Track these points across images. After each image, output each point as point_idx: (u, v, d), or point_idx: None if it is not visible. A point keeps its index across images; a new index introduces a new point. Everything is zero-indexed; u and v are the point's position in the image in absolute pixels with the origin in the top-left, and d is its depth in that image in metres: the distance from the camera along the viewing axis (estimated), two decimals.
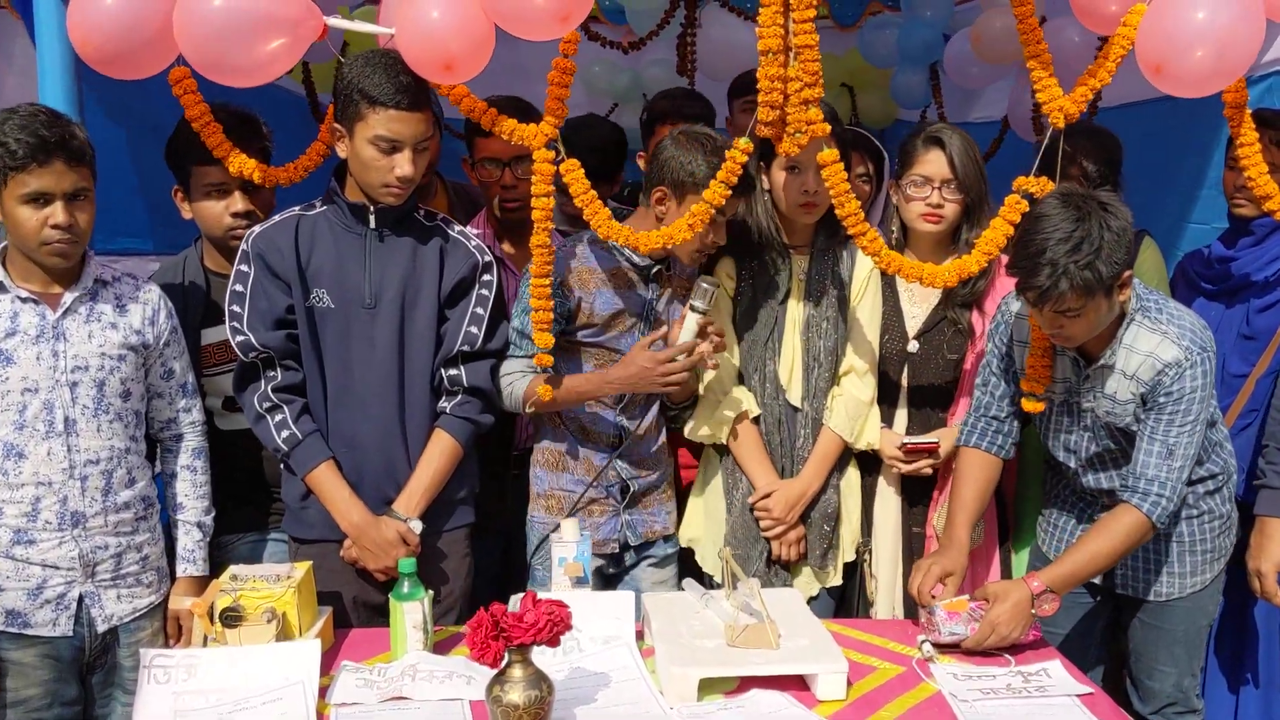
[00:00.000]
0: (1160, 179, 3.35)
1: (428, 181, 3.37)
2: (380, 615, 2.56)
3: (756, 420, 2.84)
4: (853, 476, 2.92)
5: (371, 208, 2.55)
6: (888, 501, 2.97)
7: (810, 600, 2.89)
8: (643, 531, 2.83)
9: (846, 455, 2.90)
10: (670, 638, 2.30)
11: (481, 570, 2.86)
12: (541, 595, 2.36)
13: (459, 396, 2.63)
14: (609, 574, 2.86)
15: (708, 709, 2.13)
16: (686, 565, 2.95)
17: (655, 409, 2.83)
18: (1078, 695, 2.21)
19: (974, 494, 2.63)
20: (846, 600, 3.00)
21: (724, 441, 2.85)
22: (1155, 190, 3.38)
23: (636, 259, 2.69)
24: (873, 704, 2.18)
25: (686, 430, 2.87)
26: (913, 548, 2.96)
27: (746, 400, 2.83)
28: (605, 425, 2.78)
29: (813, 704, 2.18)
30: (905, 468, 2.84)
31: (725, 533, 2.87)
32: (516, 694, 1.95)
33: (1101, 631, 2.79)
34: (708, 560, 2.92)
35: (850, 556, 2.92)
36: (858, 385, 2.85)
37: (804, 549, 2.84)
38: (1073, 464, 2.65)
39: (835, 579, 2.89)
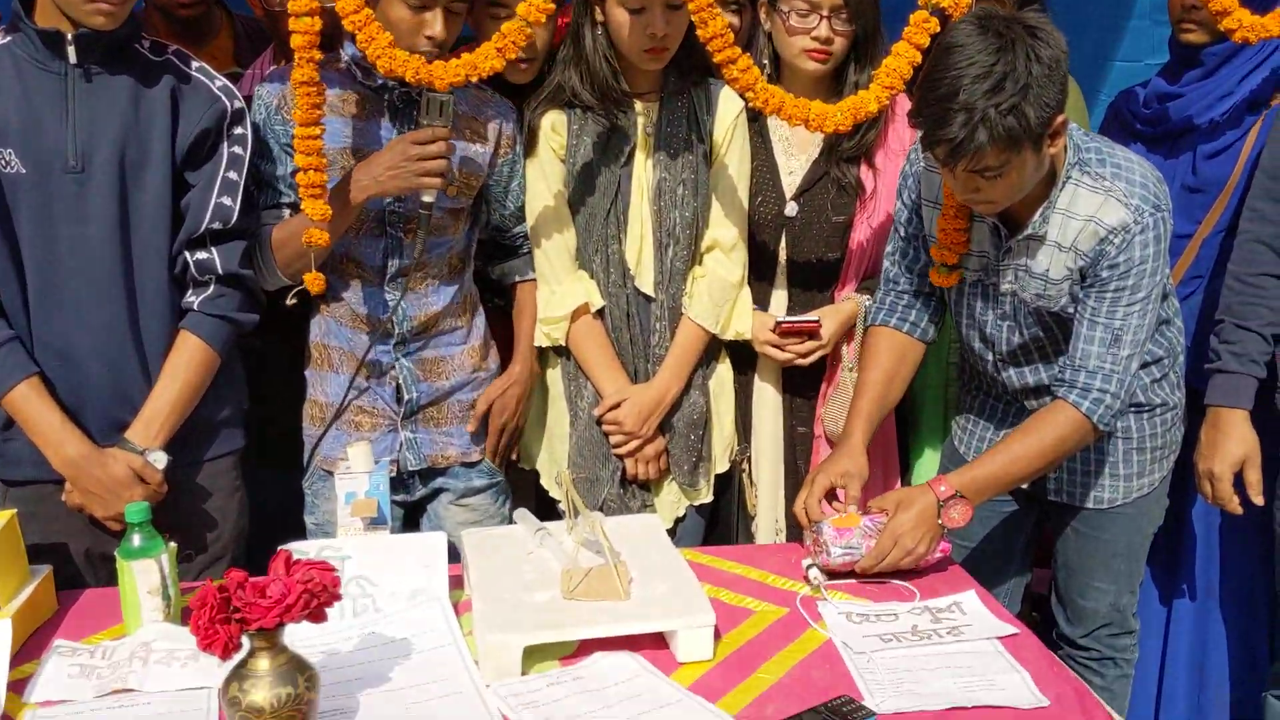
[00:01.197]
0: (1075, 8, 2.88)
1: (204, 11, 2.74)
2: None
3: (601, 314, 2.34)
4: (723, 374, 2.45)
5: (70, 34, 1.92)
6: (766, 399, 2.52)
7: (678, 521, 2.45)
8: (429, 455, 2.31)
9: (715, 348, 2.43)
10: (490, 593, 1.81)
11: (273, 507, 2.34)
12: (322, 544, 1.88)
13: (210, 288, 2.04)
14: (403, 505, 2.34)
15: (534, 686, 1.66)
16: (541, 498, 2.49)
17: (456, 289, 2.27)
18: (999, 637, 1.82)
19: (879, 379, 2.19)
20: (722, 518, 2.57)
21: (561, 342, 2.35)
22: (1070, 21, 2.93)
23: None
24: (747, 663, 1.74)
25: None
26: (796, 450, 2.52)
27: (585, 289, 2.32)
28: (374, 304, 2.22)
29: (672, 667, 1.74)
30: (781, 355, 2.39)
31: (569, 451, 2.40)
32: (260, 693, 1.44)
33: (1025, 545, 2.43)
34: (553, 486, 2.45)
35: (724, 467, 2.47)
36: (724, 263, 2.35)
37: (666, 465, 2.39)
38: (990, 357, 2.22)
39: (706, 495, 2.45)
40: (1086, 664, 2.36)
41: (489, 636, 1.68)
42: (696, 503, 2.45)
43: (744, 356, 2.51)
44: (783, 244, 2.46)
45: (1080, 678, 2.34)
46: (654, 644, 1.76)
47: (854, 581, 1.99)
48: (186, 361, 2.02)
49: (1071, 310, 2.05)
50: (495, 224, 2.35)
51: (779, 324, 2.36)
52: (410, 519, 2.38)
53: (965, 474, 2.03)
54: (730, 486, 2.54)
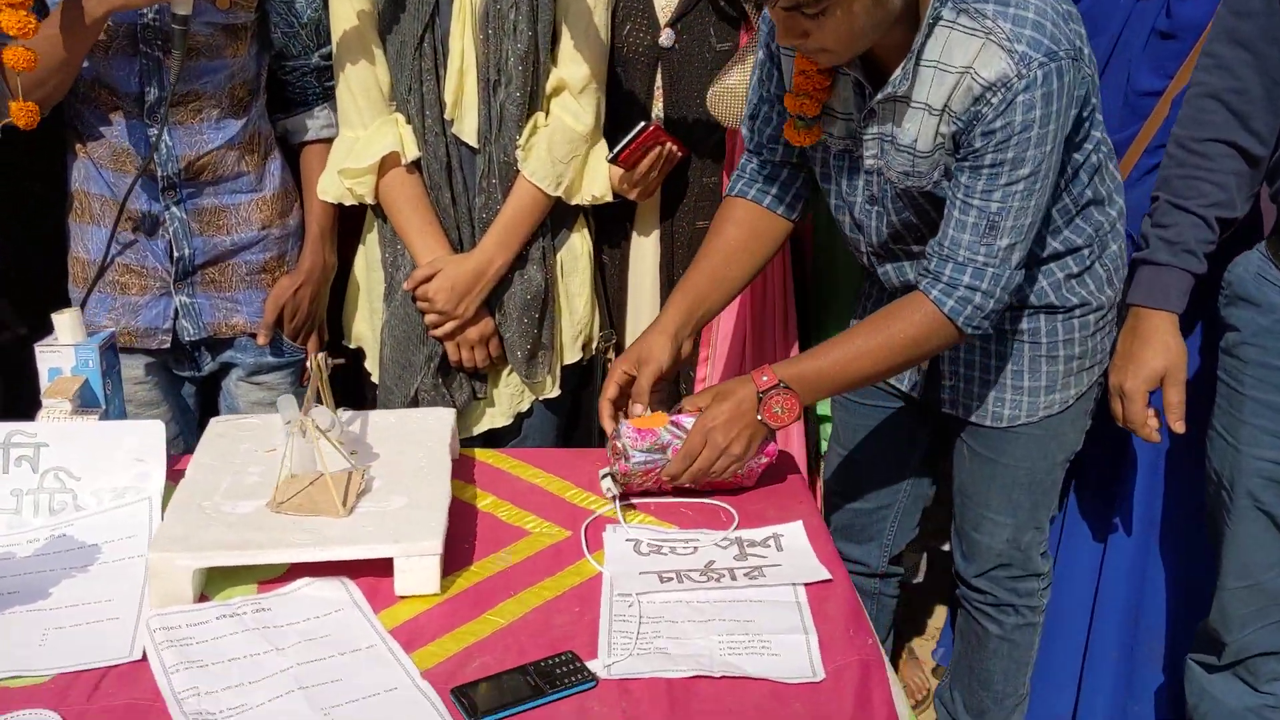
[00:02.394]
0: None
1: None
2: None
3: (418, 167, 1.99)
4: (576, 245, 2.09)
5: None
6: (644, 279, 2.16)
7: (523, 418, 2.14)
8: (210, 323, 2.01)
9: (568, 215, 2.06)
10: (189, 497, 1.51)
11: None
12: (12, 428, 1.61)
13: None
14: (193, 380, 2.08)
15: (199, 617, 1.37)
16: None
17: (240, 125, 1.93)
18: (806, 584, 1.50)
19: (716, 250, 1.80)
20: (586, 415, 2.25)
21: (367, 199, 2.00)
22: None
23: None
24: (485, 599, 1.44)
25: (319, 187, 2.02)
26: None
27: (396, 135, 1.95)
28: (136, 140, 1.89)
29: (391, 601, 1.46)
30: (632, 191, 2.02)
31: (379, 331, 2.08)
32: None
33: (922, 459, 2.06)
34: (375, 369, 2.14)
35: (574, 356, 2.13)
36: (571, 109, 1.96)
37: (496, 351, 2.06)
38: (863, 247, 1.83)
39: (551, 389, 2.12)
40: (981, 609, 2.00)
41: (151, 554, 1.39)
42: (542, 397, 2.13)
43: (616, 225, 2.15)
44: (658, 81, 2.06)
45: (977, 624, 2.04)
46: (388, 570, 1.48)
47: (670, 501, 1.67)
48: None
49: (945, 189, 1.64)
50: (278, 48, 1.98)
51: (612, 155, 1.97)
52: (208, 399, 2.11)
53: (795, 364, 1.66)
54: (593, 380, 2.21)
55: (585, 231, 2.10)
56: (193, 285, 1.97)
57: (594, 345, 2.15)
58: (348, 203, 2.01)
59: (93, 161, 1.91)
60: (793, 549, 1.55)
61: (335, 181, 1.99)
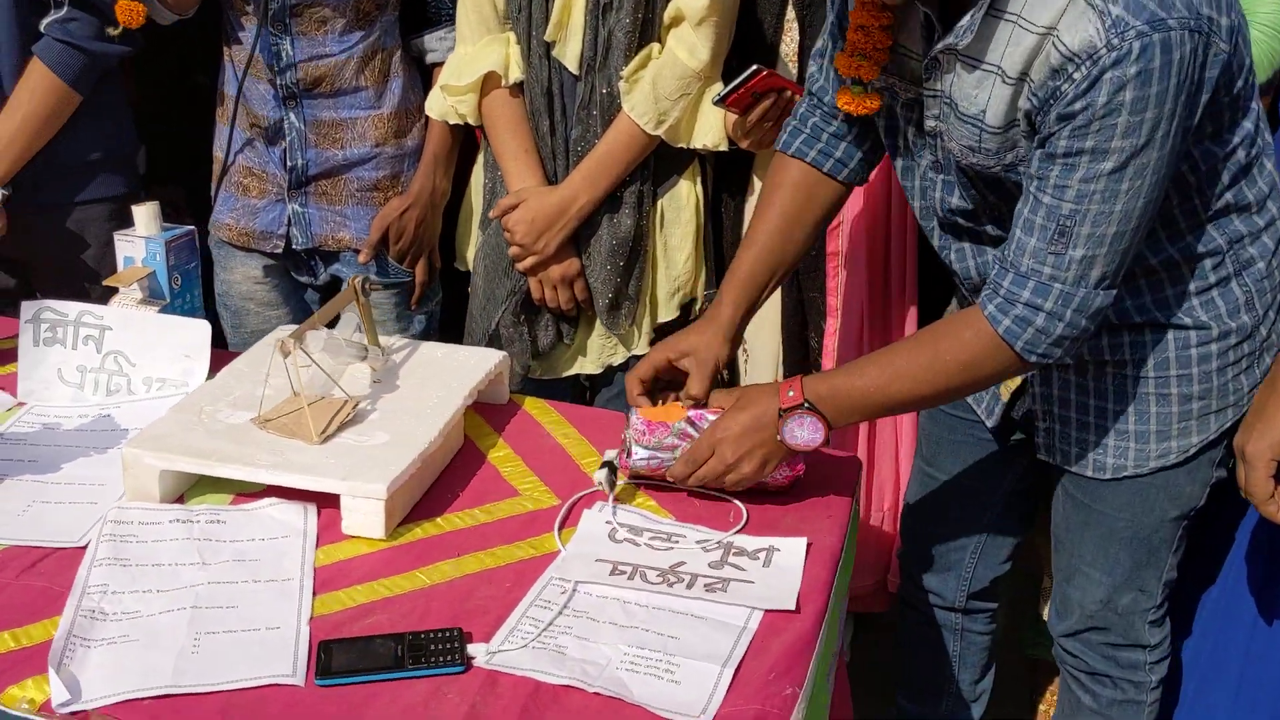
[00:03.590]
0: None
1: None
2: None
3: (522, 89, 1.91)
4: (683, 194, 1.93)
5: None
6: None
7: (616, 371, 2.04)
8: (318, 235, 2.04)
9: (677, 160, 1.92)
10: (197, 399, 1.56)
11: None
12: (84, 308, 1.72)
13: (63, 9, 1.88)
14: (314, 287, 2.12)
15: (151, 518, 1.40)
16: None
17: (360, 39, 1.93)
18: (766, 610, 1.30)
19: (772, 229, 1.59)
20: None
21: (469, 118, 1.95)
22: None
23: None
24: (425, 554, 1.37)
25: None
26: (806, 311, 2.00)
27: (500, 55, 1.88)
28: (263, 47, 1.94)
29: (338, 537, 1.42)
30: (744, 140, 1.84)
31: (472, 258, 2.04)
32: None
33: (1012, 495, 1.77)
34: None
35: (670, 314, 1.99)
36: (689, 41, 1.81)
37: (581, 294, 1.96)
38: (932, 223, 1.56)
39: (639, 344, 1.99)
40: (1074, 674, 1.70)
41: (125, 449, 1.45)
42: (630, 352, 2.00)
43: (739, 175, 1.98)
44: (789, 14, 1.86)
45: (1070, 691, 1.74)
46: None
47: (676, 491, 1.52)
48: (31, 90, 1.90)
49: (1020, 174, 1.35)
50: None
51: (719, 97, 1.78)
52: None
53: (828, 380, 1.44)
54: None
55: (696, 181, 1.95)
56: (305, 195, 2.02)
57: (697, 305, 2.00)
58: (451, 120, 1.97)
59: (232, 64, 2.00)
60: (780, 568, 1.37)
61: (439, 98, 1.96)
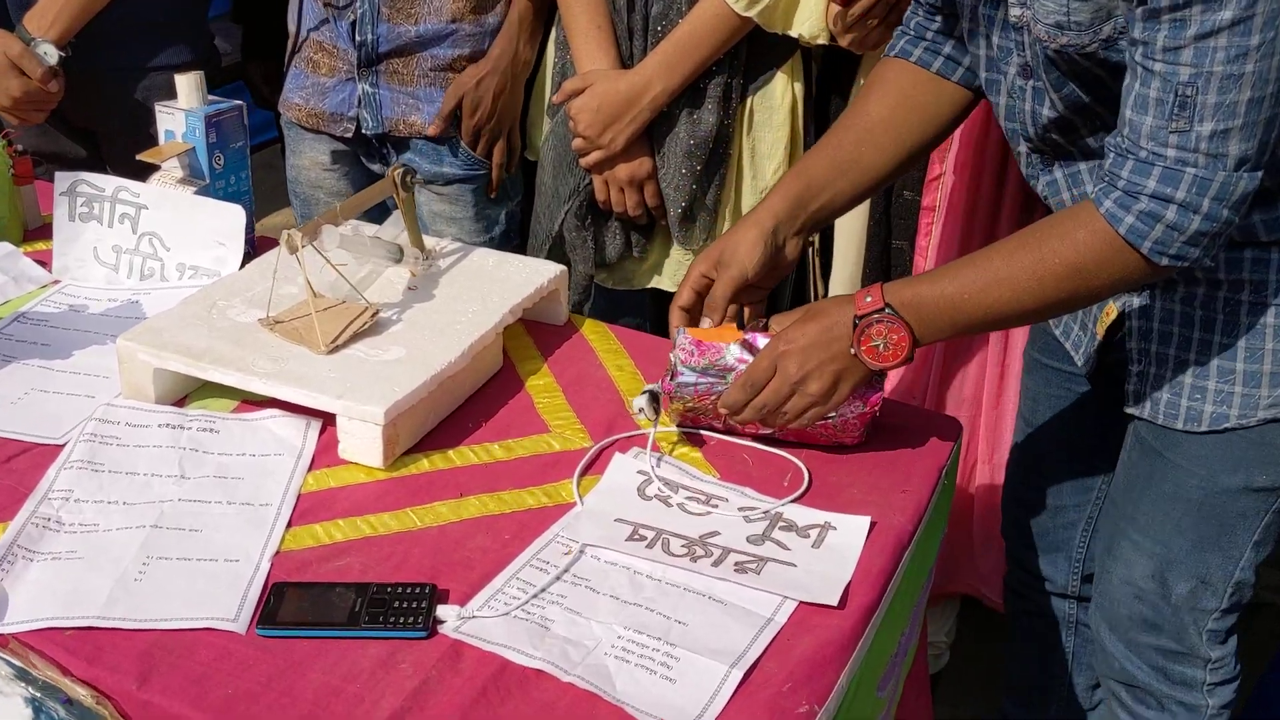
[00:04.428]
0: None
1: None
2: None
3: None
4: (777, 92, 1.68)
5: None
6: None
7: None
8: (388, 119, 1.86)
9: (776, 52, 1.66)
10: (208, 295, 1.41)
11: None
12: (120, 184, 1.61)
13: None
14: (371, 174, 1.95)
15: (145, 420, 1.28)
16: None
17: None
18: (802, 600, 1.09)
19: (850, 133, 1.34)
20: (780, 299, 1.87)
21: None
22: None
23: None
24: (426, 491, 1.20)
25: None
26: (892, 220, 1.74)
27: None
28: None
29: (334, 461, 1.27)
30: (844, 37, 1.58)
31: (543, 144, 1.83)
32: None
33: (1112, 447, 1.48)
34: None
35: None
36: None
37: (653, 199, 1.73)
38: (1022, 148, 1.29)
39: None
40: (1114, 690, 1.42)
41: (120, 340, 1.32)
42: None
43: (847, 76, 1.71)
44: None
45: (1110, 711, 1.47)
46: None
47: (739, 442, 1.31)
48: None
49: (1119, 54, 1.07)
50: None
51: None
52: None
53: (912, 285, 1.20)
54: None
55: (795, 78, 1.69)
56: (376, 74, 1.85)
57: None
58: None
59: None
60: (831, 551, 1.15)
61: None
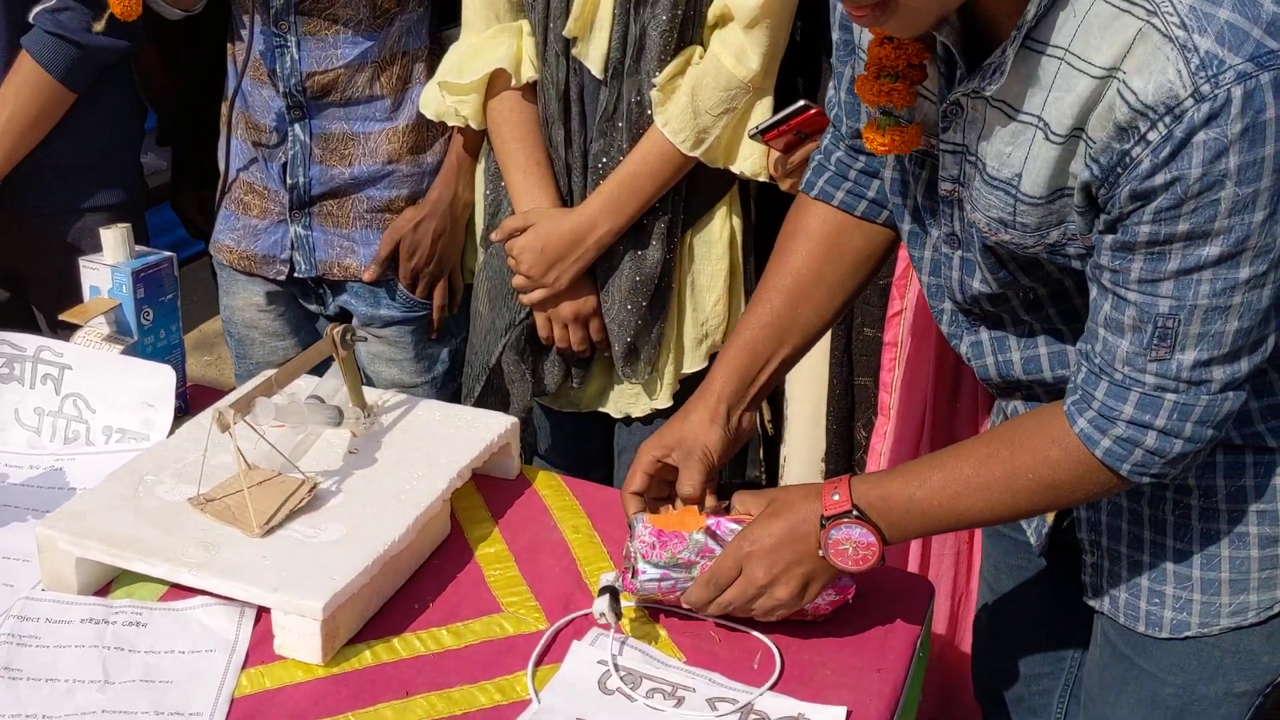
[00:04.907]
0: None
1: None
2: None
3: (533, 91, 1.65)
4: (717, 229, 1.65)
5: None
6: None
7: (637, 422, 1.77)
8: (321, 261, 1.80)
9: (716, 187, 1.63)
10: (137, 467, 1.33)
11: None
12: (43, 344, 1.53)
13: None
14: (308, 313, 1.90)
15: (66, 615, 1.18)
16: None
17: (375, 44, 1.69)
18: None
19: (780, 295, 1.29)
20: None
21: (470, 122, 1.69)
22: None
23: None
24: (368, 691, 1.12)
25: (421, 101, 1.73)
26: (853, 357, 1.71)
27: (510, 49, 1.61)
28: (267, 47, 1.71)
29: (271, 657, 1.19)
30: (784, 181, 1.55)
31: (475, 284, 1.78)
32: None
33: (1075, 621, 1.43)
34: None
35: (698, 364, 1.70)
36: (736, 46, 1.52)
37: (598, 335, 1.69)
38: (945, 304, 1.25)
39: (661, 398, 1.72)
40: None
41: (39, 527, 1.24)
42: (651, 406, 1.73)
43: (782, 209, 1.68)
44: None
45: None
46: None
47: (702, 618, 1.23)
48: (18, 86, 1.71)
49: (1076, 261, 1.04)
50: None
51: (756, 129, 1.51)
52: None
53: (878, 484, 1.14)
54: None
55: (731, 211, 1.66)
56: (309, 216, 1.79)
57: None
58: (451, 122, 1.71)
59: (234, 63, 1.78)
60: None
61: (436, 96, 1.70)
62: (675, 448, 1.26)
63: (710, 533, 1.20)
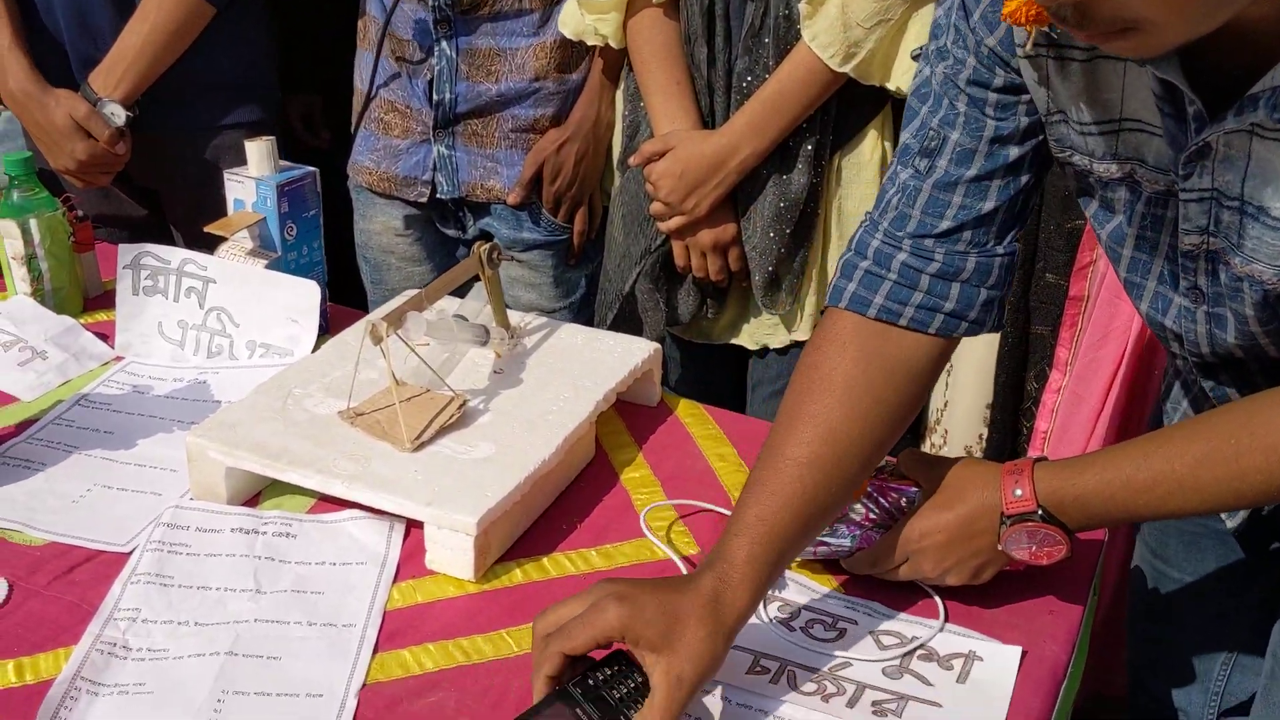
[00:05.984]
0: None
1: None
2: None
3: (674, 7, 1.58)
4: (867, 148, 1.58)
5: None
6: None
7: (775, 354, 1.71)
8: (465, 182, 1.77)
9: (868, 104, 1.56)
10: (283, 382, 1.31)
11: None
12: (187, 256, 1.53)
13: None
14: (446, 239, 1.88)
15: (216, 524, 1.19)
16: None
17: None
18: None
19: (804, 459, 1.01)
20: None
21: (611, 41, 1.64)
22: None
23: None
24: (520, 609, 1.10)
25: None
26: (1031, 305, 1.63)
27: None
28: None
29: (421, 571, 1.18)
30: None
31: (612, 208, 1.74)
32: None
33: (1266, 597, 1.33)
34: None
35: None
36: None
37: (737, 264, 1.63)
38: (1175, 348, 1.11)
39: (800, 328, 1.66)
40: None
41: (190, 435, 1.23)
42: (795, 336, 1.67)
43: None
44: None
45: None
46: None
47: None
48: (159, 1, 1.71)
49: None
50: None
51: (917, 51, 1.41)
52: None
53: (1069, 478, 1.03)
54: None
55: (883, 133, 1.58)
56: (453, 135, 1.76)
57: None
58: (590, 41, 1.66)
59: None
60: (979, 687, 1.03)
61: (575, 13, 1.64)
62: (639, 641, 0.92)
63: (871, 498, 1.13)
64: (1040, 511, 1.03)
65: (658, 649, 0.91)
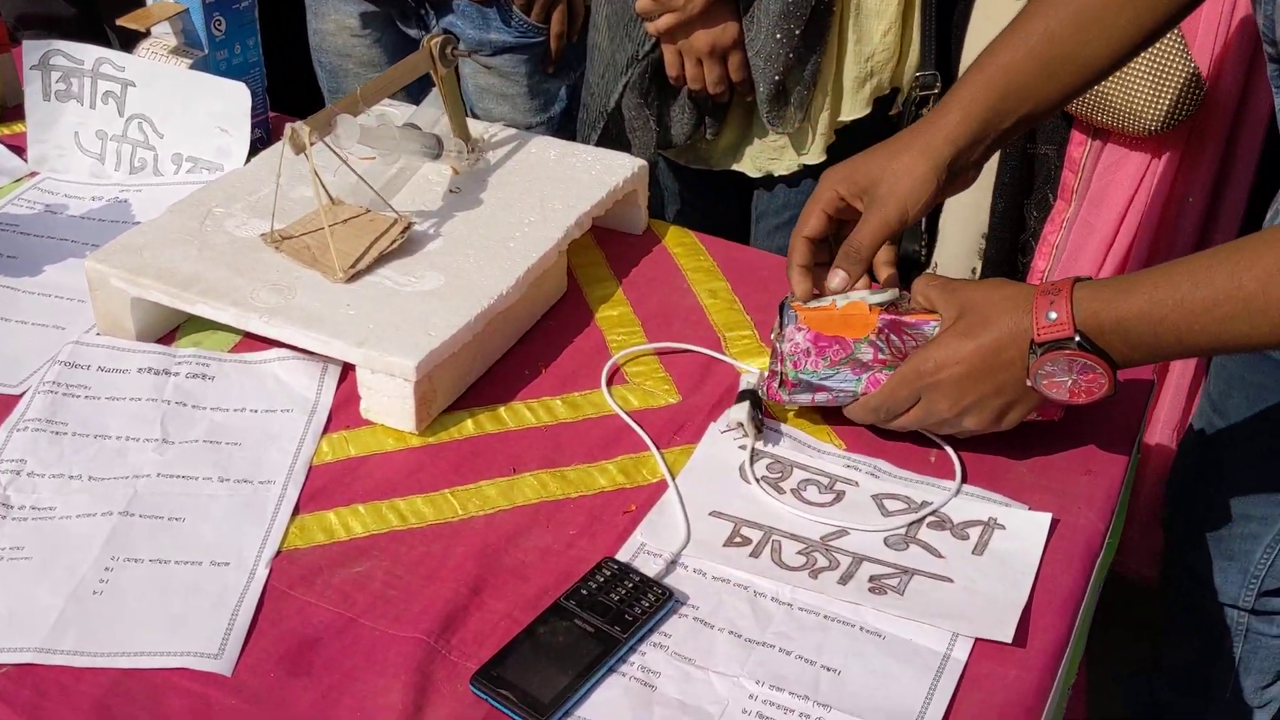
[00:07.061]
0: None
1: None
2: None
3: None
4: None
5: None
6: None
7: (780, 181, 1.53)
8: None
9: None
10: (205, 197, 1.15)
11: None
12: (103, 54, 1.34)
13: None
14: (409, 40, 1.67)
15: (121, 364, 1.03)
16: None
17: None
18: (975, 638, 0.84)
19: (1036, 35, 0.98)
20: None
21: None
22: None
23: None
24: (470, 466, 0.95)
25: None
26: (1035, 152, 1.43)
27: None
28: None
29: (357, 421, 1.03)
30: None
31: (598, 13, 1.51)
32: None
33: None
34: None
35: (858, 110, 1.44)
36: None
37: (738, 73, 1.42)
38: None
39: (811, 151, 1.46)
40: None
41: (89, 260, 1.07)
42: (805, 160, 1.48)
43: None
44: None
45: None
46: None
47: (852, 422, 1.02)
48: None
49: None
50: None
51: None
52: None
53: (1114, 303, 0.87)
54: None
55: None
56: None
57: (900, 99, 1.44)
58: None
59: None
60: (1000, 559, 0.89)
61: None
62: (868, 189, 1.00)
63: (883, 334, 0.96)
64: (1077, 338, 0.87)
65: (870, 191, 0.99)
